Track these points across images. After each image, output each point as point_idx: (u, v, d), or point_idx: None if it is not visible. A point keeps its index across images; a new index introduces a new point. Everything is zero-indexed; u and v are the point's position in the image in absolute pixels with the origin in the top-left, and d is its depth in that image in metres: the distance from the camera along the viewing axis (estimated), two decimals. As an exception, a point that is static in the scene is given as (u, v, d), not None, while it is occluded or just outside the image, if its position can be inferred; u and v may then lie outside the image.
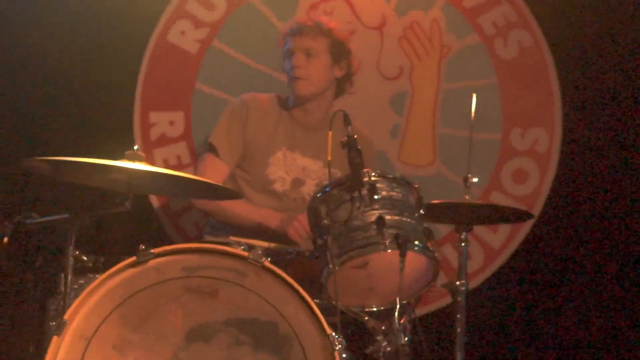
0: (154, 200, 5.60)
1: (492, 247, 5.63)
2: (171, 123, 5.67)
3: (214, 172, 4.72)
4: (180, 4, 5.69)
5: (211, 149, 4.81)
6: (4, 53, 5.52)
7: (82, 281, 3.76)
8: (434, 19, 5.69)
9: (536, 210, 5.57)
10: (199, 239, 4.88)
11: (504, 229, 5.62)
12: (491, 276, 5.63)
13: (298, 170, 4.84)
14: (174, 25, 5.69)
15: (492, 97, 5.65)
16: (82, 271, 3.79)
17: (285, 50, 4.81)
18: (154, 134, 5.66)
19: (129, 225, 5.26)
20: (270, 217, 4.65)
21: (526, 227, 5.62)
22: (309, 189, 4.81)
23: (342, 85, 4.91)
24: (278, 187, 4.82)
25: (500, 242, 5.63)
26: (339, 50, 4.82)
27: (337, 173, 4.59)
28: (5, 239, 3.79)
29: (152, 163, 5.43)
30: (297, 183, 4.84)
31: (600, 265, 5.60)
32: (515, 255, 5.64)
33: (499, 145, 5.67)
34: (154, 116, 5.67)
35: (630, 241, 5.57)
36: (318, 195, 3.81)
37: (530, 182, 5.66)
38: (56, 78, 5.56)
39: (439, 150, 5.69)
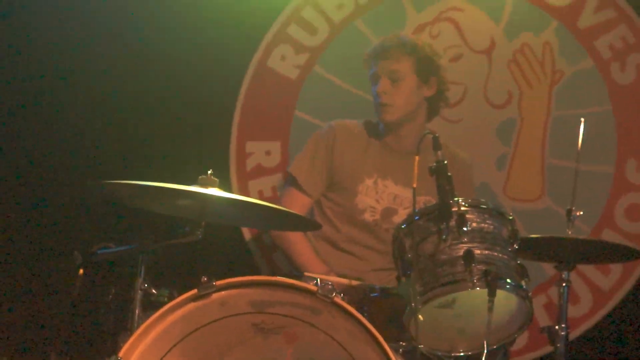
0: (246, 232, 5.41)
1: (601, 290, 5.25)
2: (267, 153, 5.51)
3: (293, 205, 4.49)
4: (282, 28, 5.55)
5: (291, 180, 4.64)
6: (100, 78, 5.46)
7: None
8: (546, 41, 5.39)
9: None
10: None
11: (616, 269, 5.23)
12: (600, 322, 5.25)
13: (389, 198, 4.58)
14: (275, 49, 5.53)
15: (606, 126, 5.29)
16: (154, 305, 3.58)
17: (371, 75, 4.59)
18: (250, 164, 5.50)
19: (217, 256, 5.08)
20: (312, 265, 4.42)
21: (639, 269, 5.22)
22: (401, 218, 4.49)
23: (434, 105, 4.64)
24: (368, 217, 4.56)
25: (611, 284, 5.24)
26: (427, 69, 4.56)
27: (431, 201, 4.28)
28: (81, 271, 3.64)
29: (247, 194, 5.28)
30: (389, 212, 4.57)
31: None
32: (627, 299, 5.24)
33: (612, 178, 5.31)
34: (250, 146, 5.52)
35: None
36: (403, 226, 3.55)
37: (646, 219, 5.27)
38: (151, 102, 5.48)
39: (547, 184, 5.35)
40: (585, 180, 4.98)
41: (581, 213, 3.99)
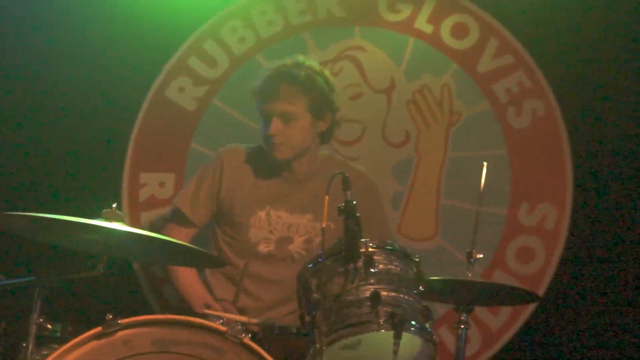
0: (136, 265, 5.31)
1: (490, 330, 5.30)
2: (161, 184, 5.44)
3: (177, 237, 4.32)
4: (182, 59, 5.48)
5: (174, 212, 4.54)
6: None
7: (45, 352, 3.43)
8: (445, 83, 5.45)
9: (540, 291, 5.24)
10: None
11: (505, 310, 5.29)
12: (488, 362, 5.31)
13: (284, 228, 4.49)
14: (174, 81, 5.46)
15: (500, 169, 5.37)
16: (47, 341, 3.47)
17: (260, 111, 4.46)
18: (143, 195, 5.41)
19: (105, 291, 4.95)
20: (195, 298, 4.36)
21: (529, 309, 5.29)
22: (297, 246, 4.48)
23: (327, 135, 4.58)
24: (262, 248, 4.48)
25: (499, 324, 5.29)
26: (321, 105, 4.47)
27: (331, 226, 4.24)
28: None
29: (138, 226, 5.18)
30: (284, 242, 4.49)
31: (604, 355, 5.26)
32: (514, 340, 5.30)
33: (504, 220, 5.38)
34: (144, 177, 5.43)
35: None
36: (309, 266, 3.52)
37: (536, 261, 5.34)
38: (42, 128, 5.37)
39: (441, 224, 5.39)
40: (479, 221, 5.05)
41: (481, 256, 4.02)
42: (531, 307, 5.26)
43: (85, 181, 5.30)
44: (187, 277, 4.45)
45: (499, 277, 5.27)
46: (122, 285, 5.15)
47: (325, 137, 4.56)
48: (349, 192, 3.57)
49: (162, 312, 4.76)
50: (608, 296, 5.29)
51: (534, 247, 5.35)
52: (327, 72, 4.61)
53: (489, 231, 5.26)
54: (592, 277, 5.30)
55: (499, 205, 5.35)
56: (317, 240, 4.45)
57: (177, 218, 4.50)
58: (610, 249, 5.31)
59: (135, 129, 5.45)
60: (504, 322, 5.29)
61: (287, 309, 4.41)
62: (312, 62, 4.57)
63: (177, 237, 4.25)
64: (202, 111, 5.48)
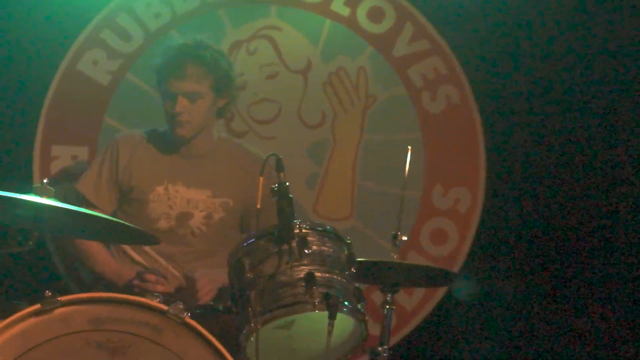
0: (51, 246, 5.20)
1: (405, 310, 5.38)
2: (74, 158, 5.33)
3: None
4: (95, 32, 5.38)
5: (80, 198, 4.46)
6: None
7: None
8: (360, 66, 5.48)
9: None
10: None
11: (419, 291, 5.39)
12: (401, 340, 5.39)
13: (183, 203, 4.45)
14: (87, 53, 5.36)
15: (415, 152, 5.39)
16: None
17: (163, 90, 4.43)
18: (54, 168, 5.31)
19: (28, 268, 4.85)
20: (118, 275, 4.32)
21: (442, 290, 5.39)
22: (197, 221, 4.44)
23: (224, 111, 4.58)
24: (163, 224, 4.43)
25: (414, 304, 5.39)
26: (224, 85, 4.47)
27: (229, 203, 4.40)
28: None
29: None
30: (184, 217, 4.45)
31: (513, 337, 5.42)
32: (428, 319, 5.41)
33: (419, 203, 5.45)
34: (56, 149, 5.33)
35: (551, 311, 5.39)
36: (243, 245, 3.51)
37: (449, 244, 5.45)
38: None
39: (355, 205, 5.44)
40: (393, 203, 5.12)
41: (405, 238, 4.07)
42: (444, 288, 5.36)
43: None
44: (102, 254, 4.40)
45: (413, 258, 5.36)
46: (46, 261, 5.06)
47: (222, 112, 4.57)
48: (282, 174, 3.60)
49: (83, 291, 4.67)
50: (519, 280, 5.44)
51: (448, 230, 5.44)
52: (225, 51, 4.68)
53: (403, 213, 5.32)
54: (503, 260, 5.44)
55: (413, 188, 5.42)
56: (217, 216, 4.44)
57: (84, 203, 4.43)
58: (521, 232, 5.46)
59: (47, 102, 5.34)
60: (418, 302, 5.38)
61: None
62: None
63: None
64: (115, 85, 5.40)
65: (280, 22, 5.51)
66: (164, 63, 4.43)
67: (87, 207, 4.31)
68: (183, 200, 4.44)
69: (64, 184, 5.24)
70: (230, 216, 4.46)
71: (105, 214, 4.29)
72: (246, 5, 5.50)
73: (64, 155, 5.34)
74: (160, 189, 4.43)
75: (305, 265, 3.43)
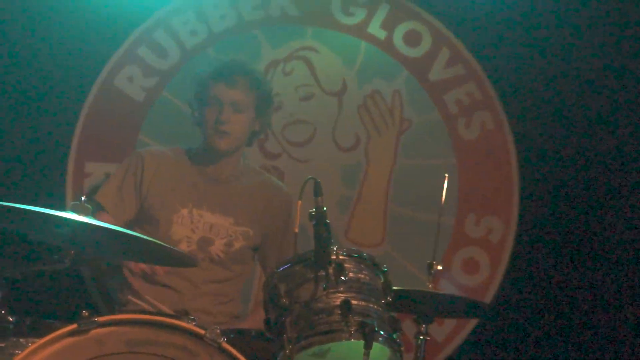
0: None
1: (436, 341, 5.32)
2: (107, 175, 5.29)
3: None
4: (131, 48, 5.37)
5: (98, 206, 4.37)
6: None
7: (3, 344, 3.32)
8: (396, 90, 5.46)
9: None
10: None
11: (450, 322, 5.34)
12: (432, 373, 5.35)
13: (205, 228, 4.38)
14: (123, 70, 5.36)
15: (449, 179, 5.36)
16: (4, 333, 3.35)
17: (208, 97, 4.35)
18: (88, 185, 5.29)
19: (64, 286, 4.83)
20: None
21: (473, 321, 5.34)
22: (217, 248, 4.38)
23: (252, 138, 4.51)
24: (184, 247, 4.33)
25: (444, 335, 5.33)
26: (265, 105, 4.42)
27: (249, 232, 4.34)
28: None
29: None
30: (205, 242, 4.38)
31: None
32: (459, 351, 5.36)
33: (451, 230, 5.41)
34: (90, 166, 5.32)
35: (584, 344, 5.32)
36: (278, 270, 3.47)
37: (480, 273, 5.40)
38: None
39: (388, 230, 5.40)
40: (425, 229, 5.08)
41: (441, 267, 4.03)
42: (475, 320, 5.31)
43: (30, 170, 5.16)
44: None
45: (444, 287, 5.30)
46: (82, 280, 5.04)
47: (252, 138, 4.51)
48: (320, 198, 3.52)
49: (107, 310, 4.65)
50: (551, 311, 5.38)
51: (479, 259, 5.39)
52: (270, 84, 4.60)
53: (438, 245, 5.28)
54: (536, 290, 5.38)
55: (446, 215, 5.37)
56: (237, 245, 4.39)
57: (100, 212, 4.39)
58: (555, 262, 5.39)
59: (82, 118, 5.36)
60: (449, 333, 5.33)
61: (208, 304, 4.37)
62: None
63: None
64: (151, 102, 5.40)
65: (316, 44, 5.52)
66: (215, 69, 4.37)
67: (103, 215, 4.29)
68: (206, 225, 4.39)
69: (94, 201, 5.23)
70: (248, 245, 4.42)
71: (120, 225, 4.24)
72: (283, 25, 5.50)
73: (97, 172, 5.35)
74: (184, 211, 4.36)
75: (341, 292, 3.37)
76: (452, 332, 5.34)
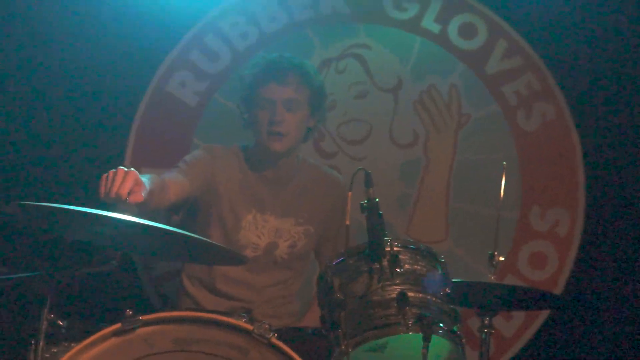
0: (137, 262, 5.12)
1: (503, 336, 5.18)
2: (163, 179, 5.26)
3: (172, 181, 4.04)
4: (182, 53, 5.32)
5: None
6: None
7: (55, 350, 3.26)
8: (452, 84, 5.33)
9: (553, 297, 5.13)
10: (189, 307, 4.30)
11: (519, 316, 5.19)
12: (502, 369, 5.20)
13: (271, 233, 4.29)
14: (175, 74, 5.31)
15: (511, 172, 5.25)
16: (56, 338, 3.30)
17: (260, 98, 4.19)
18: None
19: (114, 287, 4.78)
20: None
21: (542, 315, 5.19)
22: (282, 251, 4.29)
23: (309, 134, 4.38)
24: (249, 253, 4.25)
25: (513, 330, 5.18)
26: (319, 101, 4.29)
27: (310, 230, 4.27)
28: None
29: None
30: (271, 247, 4.29)
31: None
32: (528, 346, 5.20)
33: (515, 224, 5.26)
34: (145, 172, 5.22)
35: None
36: (332, 264, 3.37)
37: (548, 267, 5.24)
38: (42, 126, 5.21)
39: (450, 227, 5.27)
40: (489, 225, 4.94)
41: (502, 258, 3.88)
42: (544, 313, 5.17)
43: (86, 177, 5.13)
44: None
45: (511, 282, 5.13)
46: (130, 281, 5.00)
47: (307, 135, 4.37)
48: (371, 190, 3.44)
49: (167, 308, 4.58)
50: (622, 304, 5.20)
51: (547, 253, 5.24)
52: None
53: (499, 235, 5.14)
54: (605, 283, 5.21)
55: (510, 209, 5.24)
56: (300, 244, 4.31)
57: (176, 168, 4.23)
58: (624, 253, 5.22)
59: (135, 125, 5.31)
60: (518, 328, 5.19)
61: (271, 308, 4.28)
62: None
63: (173, 177, 4.07)
64: (203, 106, 5.34)
65: (369, 40, 5.41)
66: (263, 68, 4.23)
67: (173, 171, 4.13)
68: (272, 230, 4.29)
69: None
70: (310, 243, 4.33)
71: (188, 184, 4.11)
72: (335, 23, 5.41)
73: (154, 178, 5.29)
74: (250, 217, 4.27)
75: (397, 284, 3.28)
76: (521, 327, 5.19)
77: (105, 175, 3.39)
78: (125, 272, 3.24)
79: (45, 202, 3.17)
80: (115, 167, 5.09)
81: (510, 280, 5.18)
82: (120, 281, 4.63)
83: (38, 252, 4.36)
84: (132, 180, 3.36)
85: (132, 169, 3.42)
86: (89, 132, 5.22)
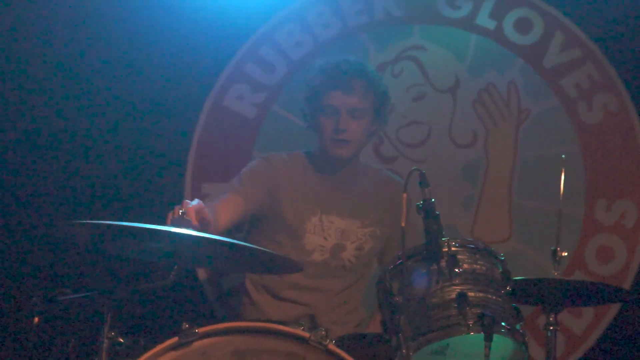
0: (202, 274, 5.16)
1: (574, 334, 5.09)
2: (224, 195, 5.28)
3: (228, 202, 4.08)
4: (238, 66, 5.33)
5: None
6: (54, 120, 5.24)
7: (128, 368, 3.28)
8: (511, 80, 5.26)
9: (623, 292, 5.03)
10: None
11: (588, 312, 5.10)
12: (573, 367, 5.11)
13: (337, 234, 4.26)
14: (232, 88, 5.32)
15: (574, 166, 5.16)
16: (119, 355, 3.31)
17: (325, 105, 4.17)
18: (206, 206, 5.26)
19: (174, 301, 4.80)
20: None
21: (613, 311, 5.09)
22: (349, 254, 4.26)
23: (371, 137, 4.36)
24: (317, 257, 4.23)
25: (583, 327, 5.09)
26: (383, 105, 4.26)
27: (376, 232, 4.24)
28: (36, 319, 3.35)
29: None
30: (338, 249, 4.26)
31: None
32: (600, 342, 5.10)
33: (581, 219, 5.17)
34: (206, 187, 5.29)
35: None
36: (390, 268, 3.34)
37: (616, 261, 5.14)
38: (103, 142, 5.26)
39: (515, 225, 5.20)
40: (553, 220, 4.85)
41: (566, 254, 3.82)
42: (614, 309, 5.07)
43: (148, 194, 5.18)
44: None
45: (579, 278, 5.07)
46: (188, 294, 5.01)
47: (370, 137, 4.35)
48: (427, 190, 3.40)
49: (231, 318, 4.57)
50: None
51: (614, 246, 5.14)
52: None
53: (565, 231, 5.00)
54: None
55: (575, 204, 5.16)
56: (367, 247, 4.28)
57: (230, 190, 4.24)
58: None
59: (195, 139, 5.33)
60: (588, 325, 5.09)
61: (338, 315, 4.26)
62: None
63: (229, 199, 4.09)
64: (262, 118, 5.35)
65: (424, 41, 5.37)
66: (328, 75, 4.20)
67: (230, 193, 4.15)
68: (337, 231, 4.26)
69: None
70: (377, 246, 4.31)
71: (245, 203, 4.12)
72: (388, 26, 5.38)
73: (214, 193, 5.28)
74: (315, 219, 4.25)
75: (456, 285, 3.24)
76: (591, 324, 5.09)
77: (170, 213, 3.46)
78: (184, 286, 3.24)
79: (107, 220, 3.20)
80: (178, 185, 5.20)
81: (578, 275, 5.10)
82: (181, 295, 4.65)
83: (96, 270, 4.42)
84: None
85: (197, 200, 3.48)
86: (151, 151, 5.25)
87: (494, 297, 3.26)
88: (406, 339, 3.16)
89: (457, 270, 3.25)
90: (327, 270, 4.25)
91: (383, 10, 5.38)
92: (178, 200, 5.07)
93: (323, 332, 2.93)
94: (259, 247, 3.29)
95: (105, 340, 3.23)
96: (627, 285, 5.08)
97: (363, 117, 4.19)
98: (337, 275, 4.26)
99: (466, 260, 3.30)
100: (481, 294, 3.24)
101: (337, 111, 4.16)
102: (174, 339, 2.90)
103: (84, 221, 3.12)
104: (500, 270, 3.37)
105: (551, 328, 3.76)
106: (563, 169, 3.95)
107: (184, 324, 2.90)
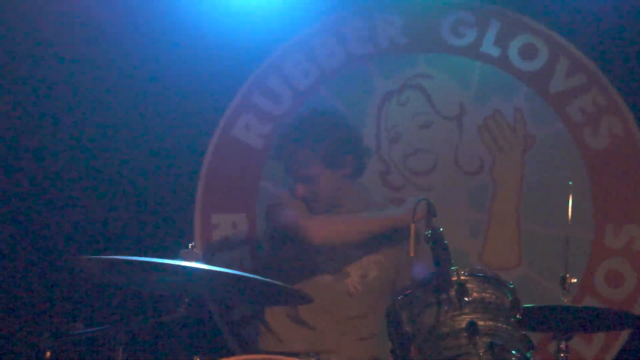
0: (213, 306, 5.16)
1: (585, 359, 5.09)
2: (234, 225, 5.29)
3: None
4: (245, 97, 5.36)
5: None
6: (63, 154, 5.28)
7: (130, 401, 3.30)
8: (516, 106, 5.28)
9: (633, 317, 5.02)
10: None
11: (599, 337, 5.08)
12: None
13: (341, 259, 4.29)
14: (239, 119, 5.34)
15: (581, 191, 5.16)
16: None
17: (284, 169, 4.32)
18: (216, 237, 5.28)
19: (184, 334, 4.80)
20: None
21: (624, 335, 5.08)
22: (354, 280, 4.28)
23: (357, 172, 4.39)
24: (319, 279, 4.27)
25: (594, 352, 5.08)
26: (338, 154, 4.27)
27: (382, 259, 4.27)
28: (48, 353, 3.36)
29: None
30: (342, 275, 4.29)
31: None
32: (612, 367, 5.09)
33: (590, 244, 5.17)
34: (216, 218, 5.30)
35: None
36: (399, 298, 3.35)
37: (626, 285, 5.14)
38: (113, 174, 5.29)
39: (524, 251, 5.20)
40: (562, 247, 4.86)
41: (575, 280, 3.82)
42: (625, 334, 5.06)
43: (158, 226, 5.19)
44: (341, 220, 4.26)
45: (589, 304, 5.07)
46: (200, 327, 5.02)
47: (356, 174, 4.37)
48: (434, 219, 3.41)
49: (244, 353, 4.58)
50: None
51: (623, 271, 5.14)
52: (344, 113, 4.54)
53: (574, 255, 5.04)
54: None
55: (583, 228, 5.16)
56: (372, 275, 4.29)
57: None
58: None
59: (204, 170, 5.36)
60: (599, 350, 5.08)
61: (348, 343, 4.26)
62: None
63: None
64: (269, 148, 5.35)
65: (429, 69, 5.40)
66: (276, 152, 4.36)
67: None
68: (342, 256, 4.30)
69: (224, 252, 5.23)
70: (382, 276, 4.31)
71: None
72: (394, 56, 5.40)
73: (223, 223, 5.33)
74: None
75: (466, 314, 3.24)
76: (602, 349, 5.09)
77: None
78: (195, 318, 3.25)
79: (117, 254, 3.22)
80: (187, 216, 5.21)
81: (588, 300, 5.10)
82: (193, 327, 4.65)
83: (108, 304, 4.44)
84: None
85: None
86: (160, 182, 5.27)
87: (504, 326, 3.26)
88: (417, 369, 3.17)
89: (466, 299, 3.25)
90: (333, 294, 4.27)
91: (388, 38, 5.41)
92: (188, 231, 5.18)
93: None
94: (269, 280, 3.30)
95: (118, 374, 3.25)
96: (637, 309, 5.07)
97: (317, 180, 4.23)
98: (342, 302, 4.27)
99: (475, 289, 3.29)
100: (491, 323, 3.23)
101: (291, 182, 4.27)
102: (186, 374, 2.92)
103: (95, 257, 3.14)
104: (510, 298, 3.36)
105: (562, 355, 3.76)
106: (571, 195, 3.95)
107: (195, 357, 2.92)
